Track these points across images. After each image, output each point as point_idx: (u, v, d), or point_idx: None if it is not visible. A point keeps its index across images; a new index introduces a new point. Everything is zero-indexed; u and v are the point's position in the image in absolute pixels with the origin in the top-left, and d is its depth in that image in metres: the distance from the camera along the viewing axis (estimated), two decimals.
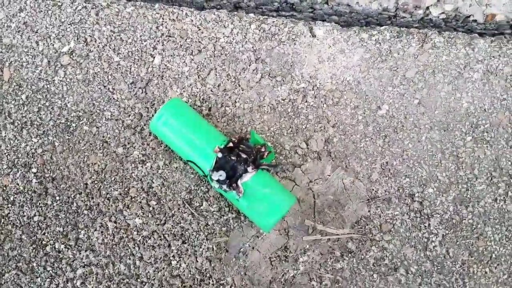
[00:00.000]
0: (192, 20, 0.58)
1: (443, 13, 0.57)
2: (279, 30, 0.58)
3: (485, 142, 0.55)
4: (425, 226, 0.54)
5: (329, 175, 0.55)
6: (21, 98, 0.58)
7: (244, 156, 0.50)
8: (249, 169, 0.49)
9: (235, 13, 0.60)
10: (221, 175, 0.49)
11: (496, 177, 0.54)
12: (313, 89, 0.57)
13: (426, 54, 0.56)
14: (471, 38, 0.57)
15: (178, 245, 0.54)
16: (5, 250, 0.55)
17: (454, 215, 0.54)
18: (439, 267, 0.53)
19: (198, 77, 0.58)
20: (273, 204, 0.49)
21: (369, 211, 0.54)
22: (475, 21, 0.57)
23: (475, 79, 0.56)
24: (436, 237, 0.54)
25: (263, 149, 0.51)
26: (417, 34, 0.57)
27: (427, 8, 0.57)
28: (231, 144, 0.50)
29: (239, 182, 0.49)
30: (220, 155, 0.49)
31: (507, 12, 0.56)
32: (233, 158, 0.49)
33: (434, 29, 0.59)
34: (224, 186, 0.49)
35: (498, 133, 0.55)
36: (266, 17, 0.60)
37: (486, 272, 0.53)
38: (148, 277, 0.54)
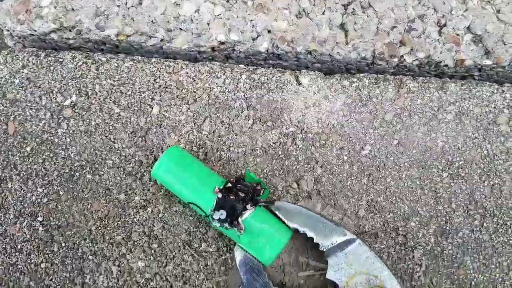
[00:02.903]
0: (187, 72, 0.63)
1: (416, 59, 0.62)
2: (268, 79, 0.63)
3: (460, 177, 0.60)
4: (410, 258, 0.58)
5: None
6: (26, 150, 0.61)
7: (242, 195, 0.54)
8: (248, 206, 0.53)
9: (227, 64, 0.65)
10: (222, 214, 0.53)
11: (472, 210, 0.59)
12: (301, 132, 0.61)
13: (402, 98, 0.62)
14: (443, 82, 0.62)
15: (179, 285, 0.58)
16: None
17: (436, 247, 0.58)
18: None
19: (194, 125, 0.62)
20: (273, 239, 0.53)
21: None
22: (446, 65, 0.63)
23: (448, 120, 0.61)
24: (420, 268, 0.58)
25: (259, 187, 0.55)
26: (393, 80, 0.62)
27: (402, 56, 0.62)
28: (229, 184, 0.54)
29: (239, 219, 0.53)
30: (220, 195, 0.53)
31: (474, 58, 0.62)
32: (232, 197, 0.53)
33: (408, 74, 0.65)
34: (226, 224, 0.53)
35: (472, 169, 0.60)
36: (255, 67, 0.64)
37: None
38: None
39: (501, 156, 0.60)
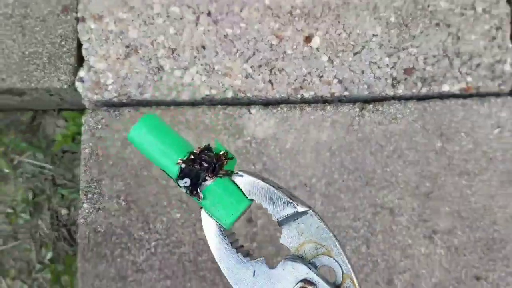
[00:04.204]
0: None
1: None
2: None
3: None
4: None
5: None
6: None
7: (205, 165, 0.56)
8: (207, 177, 0.56)
9: None
10: (186, 182, 0.55)
11: None
12: None
13: None
14: None
15: None
16: None
17: None
18: None
19: None
20: (230, 207, 0.56)
21: None
22: None
23: None
24: None
25: (223, 157, 0.57)
26: None
27: None
28: (192, 156, 0.56)
29: (199, 189, 0.56)
30: (183, 165, 0.55)
31: None
32: (196, 167, 0.56)
33: None
34: (188, 192, 0.56)
35: None
36: None
37: None
38: None
39: None
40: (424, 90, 1.19)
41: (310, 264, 0.54)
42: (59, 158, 1.36)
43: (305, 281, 0.52)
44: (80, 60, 1.20)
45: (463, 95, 1.20)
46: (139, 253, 1.12)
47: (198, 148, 0.57)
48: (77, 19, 1.18)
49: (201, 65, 1.18)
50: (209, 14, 1.19)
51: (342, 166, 1.17)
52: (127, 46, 1.18)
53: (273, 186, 0.56)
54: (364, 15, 1.20)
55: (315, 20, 1.20)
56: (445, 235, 1.12)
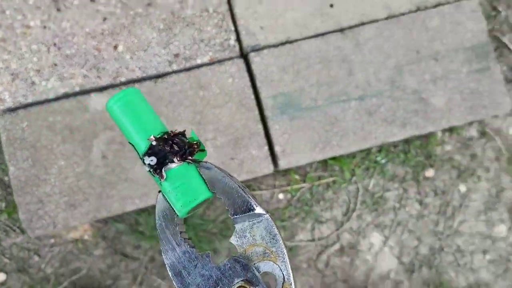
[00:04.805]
0: None
1: None
2: None
3: None
4: None
5: None
6: None
7: (176, 148, 0.58)
8: (175, 160, 0.58)
9: None
10: (152, 160, 0.57)
11: None
12: None
13: None
14: None
15: None
16: None
17: None
18: None
19: None
20: (189, 194, 0.57)
21: None
22: None
23: None
24: None
25: (195, 146, 0.60)
26: None
27: None
28: (165, 136, 0.59)
29: (163, 169, 0.57)
30: (154, 143, 0.57)
31: None
32: (167, 148, 0.58)
33: None
34: (152, 170, 0.57)
35: None
36: None
37: None
38: None
39: None
40: (187, 65, 2.08)
41: (254, 267, 0.55)
42: None
43: (245, 281, 0.53)
44: None
45: (210, 63, 2.09)
46: (46, 186, 2.03)
47: (172, 131, 0.59)
48: None
49: (57, 75, 2.04)
50: (55, 45, 2.04)
51: None
52: (11, 74, 2.02)
53: (237, 185, 0.57)
54: (145, 27, 2.06)
55: (117, 35, 2.05)
56: (212, 140, 2.06)
